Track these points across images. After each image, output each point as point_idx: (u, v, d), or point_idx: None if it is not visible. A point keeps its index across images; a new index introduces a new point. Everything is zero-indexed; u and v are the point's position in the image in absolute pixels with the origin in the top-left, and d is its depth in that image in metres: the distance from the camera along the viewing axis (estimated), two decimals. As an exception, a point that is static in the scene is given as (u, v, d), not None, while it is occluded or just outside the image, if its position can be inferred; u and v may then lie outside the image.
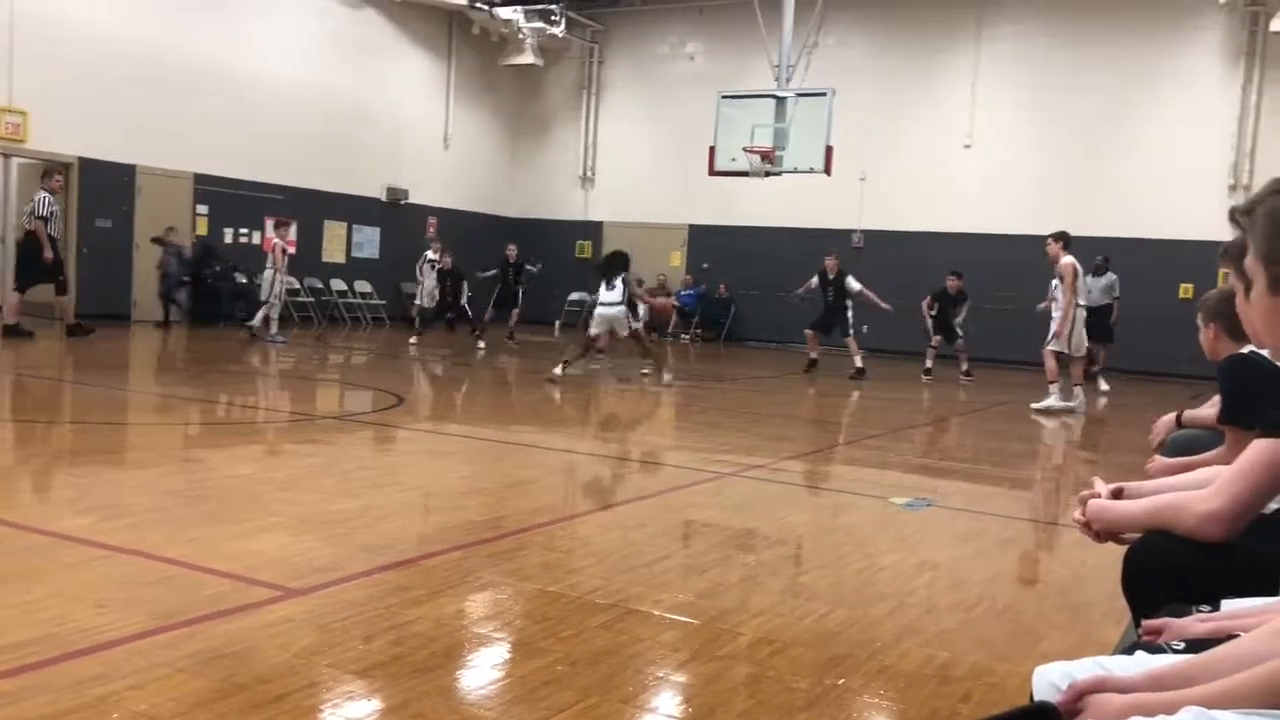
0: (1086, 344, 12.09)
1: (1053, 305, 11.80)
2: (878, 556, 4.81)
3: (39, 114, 15.22)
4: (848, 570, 4.55)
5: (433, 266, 17.06)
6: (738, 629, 3.57)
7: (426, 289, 17.08)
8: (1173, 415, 4.25)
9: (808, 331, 15.38)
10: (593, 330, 12.48)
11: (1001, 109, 19.51)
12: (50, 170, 14.01)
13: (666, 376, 12.31)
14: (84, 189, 16.05)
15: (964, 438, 9.72)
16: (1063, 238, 11.64)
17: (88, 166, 15.97)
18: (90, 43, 15.69)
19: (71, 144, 15.75)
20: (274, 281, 15.31)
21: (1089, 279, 15.74)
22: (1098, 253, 17.91)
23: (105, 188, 16.29)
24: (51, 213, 13.54)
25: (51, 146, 15.58)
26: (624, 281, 12.25)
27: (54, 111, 15.33)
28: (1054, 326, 11.52)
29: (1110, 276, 16.32)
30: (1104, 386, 14.92)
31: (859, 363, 14.59)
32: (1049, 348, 11.56)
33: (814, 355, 15.24)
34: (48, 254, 13.41)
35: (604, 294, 12.22)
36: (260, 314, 15.29)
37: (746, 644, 3.44)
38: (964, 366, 15.38)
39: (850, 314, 15.17)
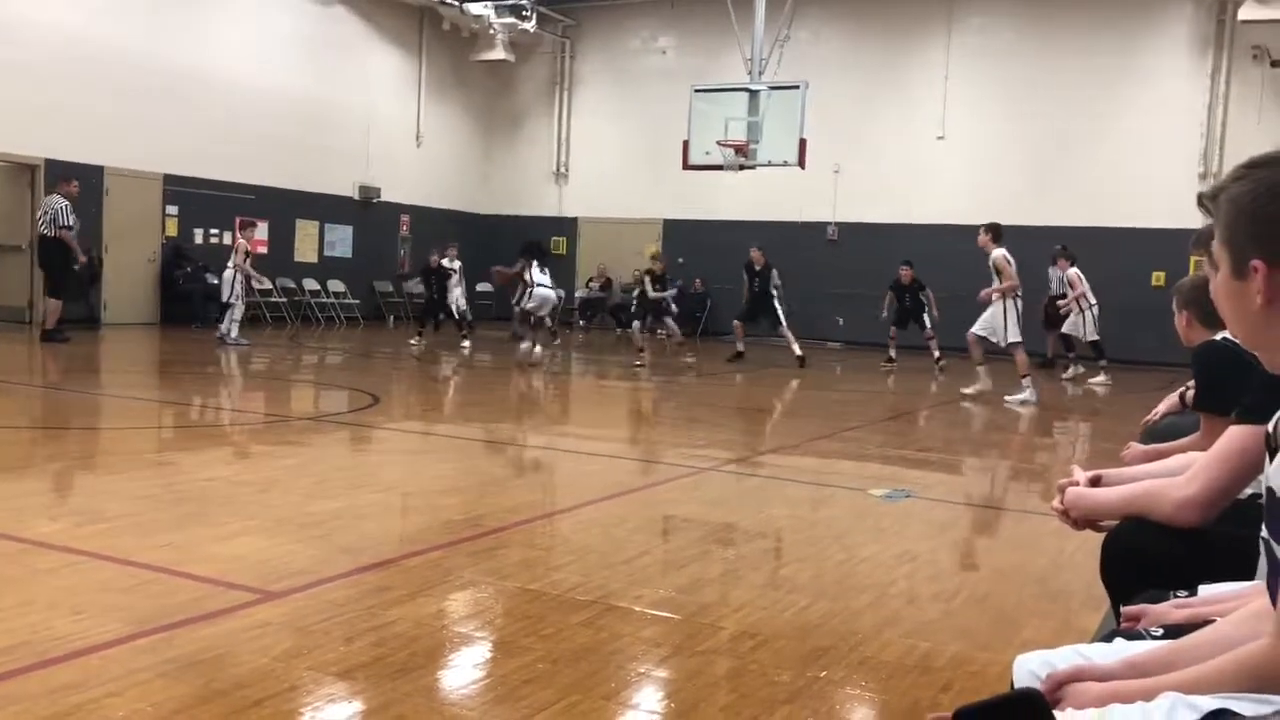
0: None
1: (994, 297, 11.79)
2: (858, 548, 4.82)
3: (4, 115, 15.02)
4: (828, 563, 4.56)
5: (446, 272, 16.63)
6: (719, 623, 3.57)
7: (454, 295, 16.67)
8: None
9: (736, 322, 15.72)
10: (530, 306, 13.61)
11: (973, 101, 19.59)
12: (65, 177, 14.07)
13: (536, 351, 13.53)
14: (50, 191, 15.84)
15: (941, 428, 9.77)
16: (993, 229, 11.83)
17: (54, 168, 15.77)
18: (56, 43, 15.49)
19: (37, 146, 15.55)
20: (234, 281, 14.91)
21: (1050, 270, 15.98)
22: (1070, 241, 18.03)
23: (73, 189, 16.09)
24: (73, 220, 13.72)
25: (16, 149, 15.39)
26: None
27: (19, 112, 15.13)
28: (1007, 321, 11.53)
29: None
30: (1079, 374, 15.05)
31: (798, 351, 14.87)
32: (1011, 340, 11.55)
33: (740, 347, 15.39)
34: (80, 259, 13.74)
35: (539, 276, 13.46)
36: (227, 320, 14.73)
37: (728, 638, 3.44)
38: (936, 355, 15.46)
39: (778, 304, 15.41)
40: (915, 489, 6.24)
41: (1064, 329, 15.22)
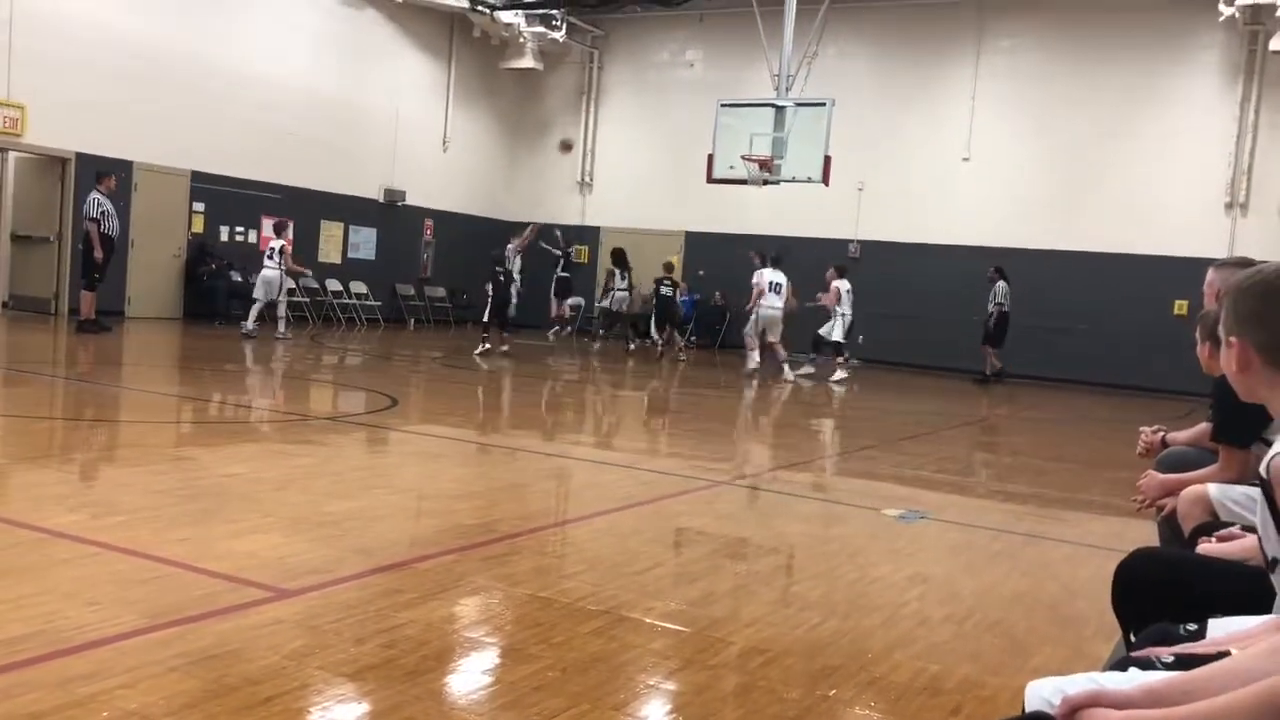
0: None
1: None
2: (870, 568, 4.81)
3: (37, 109, 15.21)
4: (840, 581, 4.55)
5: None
6: (729, 638, 3.57)
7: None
8: (1159, 437, 4.25)
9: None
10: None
11: (1000, 123, 19.55)
12: (104, 173, 14.36)
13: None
14: (81, 184, 16.01)
15: (957, 449, 9.74)
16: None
17: (85, 162, 15.94)
18: (90, 38, 15.67)
19: (69, 139, 15.73)
20: (280, 282, 15.35)
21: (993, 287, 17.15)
22: (1094, 266, 18.03)
23: (102, 183, 16.24)
24: (103, 213, 13.96)
25: (49, 141, 15.57)
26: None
27: (52, 106, 15.32)
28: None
29: (1000, 285, 17.12)
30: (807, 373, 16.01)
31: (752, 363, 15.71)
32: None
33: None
34: (97, 253, 13.89)
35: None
36: (283, 319, 15.49)
37: (738, 653, 3.44)
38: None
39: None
40: (930, 510, 6.22)
41: (821, 329, 16.34)
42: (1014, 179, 19.34)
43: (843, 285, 16.21)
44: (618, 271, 19.47)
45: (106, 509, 4.74)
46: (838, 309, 16.10)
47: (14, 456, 6.23)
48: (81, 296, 14.01)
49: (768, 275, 15.53)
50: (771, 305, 15.55)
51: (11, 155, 15.94)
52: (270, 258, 15.46)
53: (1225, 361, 1.91)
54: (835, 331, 16.12)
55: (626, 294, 18.76)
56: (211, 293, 17.58)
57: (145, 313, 16.96)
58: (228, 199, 18.08)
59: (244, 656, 3.01)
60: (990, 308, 17.28)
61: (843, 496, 6.75)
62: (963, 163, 19.81)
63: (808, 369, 16.15)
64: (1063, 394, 16.72)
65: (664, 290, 17.76)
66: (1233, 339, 1.87)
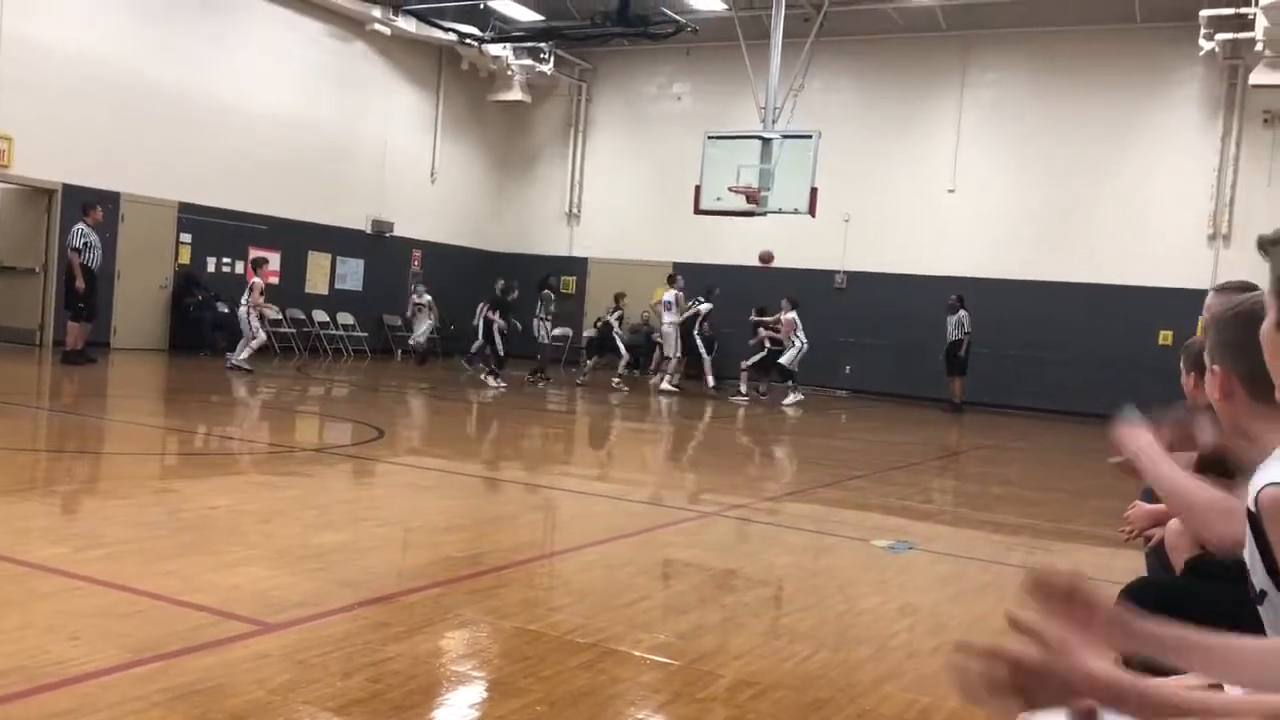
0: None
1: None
2: (859, 599, 4.79)
3: (24, 140, 15.18)
4: (829, 613, 4.53)
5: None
6: (718, 671, 3.54)
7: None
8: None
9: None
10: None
11: (985, 155, 19.72)
12: (90, 203, 14.31)
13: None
14: (67, 215, 15.98)
15: (946, 480, 9.75)
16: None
17: (72, 193, 15.92)
18: (76, 70, 15.68)
19: (56, 170, 15.70)
20: (249, 319, 15.16)
21: (948, 317, 17.48)
22: (1078, 297, 18.14)
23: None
24: (85, 243, 13.89)
25: (36, 173, 15.54)
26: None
27: (39, 138, 15.30)
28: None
29: (961, 314, 17.09)
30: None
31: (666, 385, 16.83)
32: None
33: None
34: (79, 283, 13.78)
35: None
36: (242, 346, 15.10)
37: (727, 686, 3.41)
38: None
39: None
40: (918, 541, 6.21)
41: (783, 359, 17.05)
42: (999, 210, 19.48)
43: (794, 316, 17.06)
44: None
45: (90, 542, 4.69)
46: (795, 338, 16.88)
47: (-4, 489, 6.17)
48: (69, 327, 13.93)
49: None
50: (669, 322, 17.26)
51: (-1, 187, 15.91)
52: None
53: (1209, 389, 1.92)
54: (788, 359, 16.93)
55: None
56: (198, 324, 17.52)
57: (131, 344, 16.88)
58: (215, 230, 18.05)
59: (229, 691, 2.98)
60: (955, 335, 17.40)
61: (832, 527, 6.73)
62: (948, 194, 19.95)
63: (796, 397, 16.53)
64: (1050, 424, 16.77)
65: (609, 319, 18.37)
66: (1216, 367, 1.88)
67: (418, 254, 22.29)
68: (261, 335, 15.34)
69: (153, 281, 17.41)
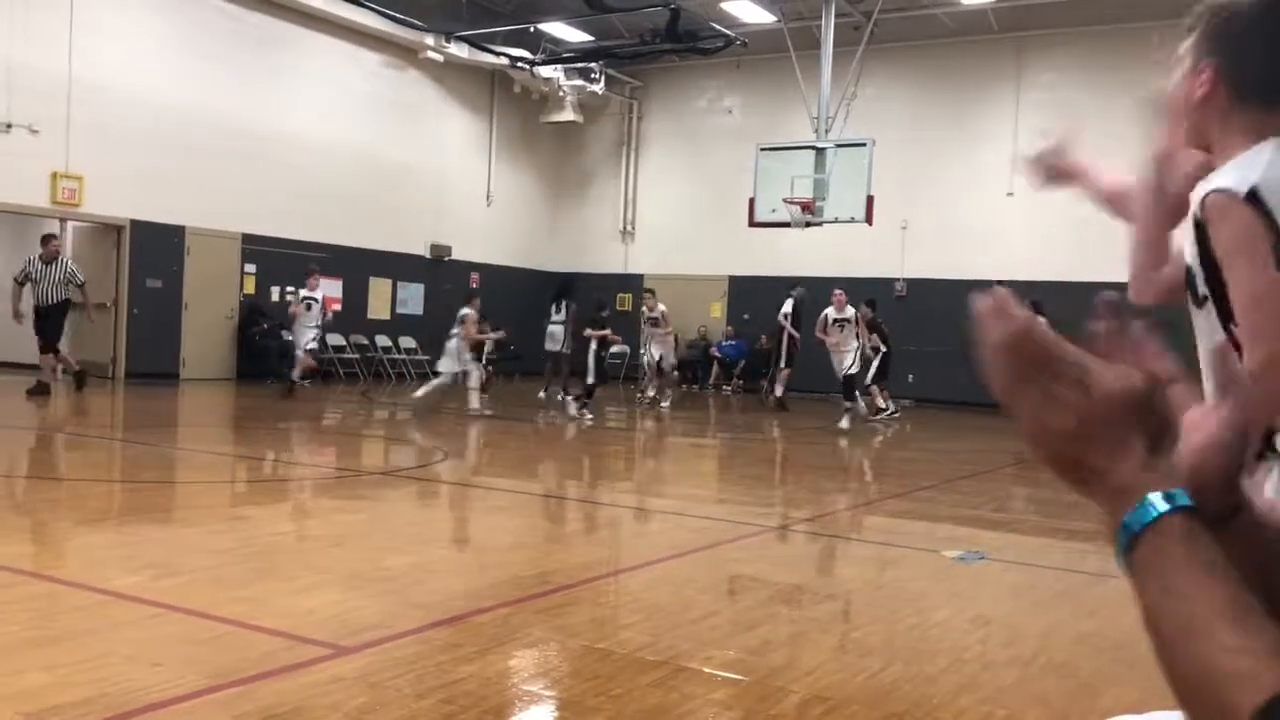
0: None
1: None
2: (931, 611, 4.73)
3: (94, 179, 15.63)
4: (901, 625, 4.47)
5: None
6: (790, 686, 3.52)
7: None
8: None
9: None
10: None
11: (1043, 156, 19.43)
12: (47, 236, 13.62)
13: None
14: (135, 250, 16.41)
15: (1016, 488, 9.59)
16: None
17: (139, 229, 16.34)
18: (141, 109, 16.10)
19: (124, 207, 16.13)
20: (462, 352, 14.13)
21: None
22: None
23: (155, 249, 16.63)
24: (26, 275, 13.25)
25: (105, 210, 15.97)
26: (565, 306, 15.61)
27: (107, 177, 15.73)
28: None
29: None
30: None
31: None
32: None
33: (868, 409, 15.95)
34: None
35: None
36: (475, 397, 14.09)
37: (798, 702, 3.38)
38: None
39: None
40: (990, 551, 6.12)
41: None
42: (1061, 213, 19.14)
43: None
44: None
45: (166, 570, 4.79)
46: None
47: (75, 520, 6.33)
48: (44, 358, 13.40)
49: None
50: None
51: (70, 225, 16.36)
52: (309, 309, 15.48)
53: (1185, 88, 1.78)
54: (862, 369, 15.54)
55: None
56: (264, 352, 17.84)
57: (199, 374, 17.24)
58: (278, 260, 18.40)
59: (305, 715, 3.02)
60: None
61: (899, 539, 6.66)
62: (1007, 197, 19.70)
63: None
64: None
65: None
66: (1209, 62, 1.73)
67: (476, 276, 22.51)
68: (476, 370, 14.13)
69: (219, 312, 17.77)
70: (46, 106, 15.01)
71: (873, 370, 15.75)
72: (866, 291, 19.77)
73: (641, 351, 17.99)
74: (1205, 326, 1.73)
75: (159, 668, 3.33)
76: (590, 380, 14.31)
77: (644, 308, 17.10)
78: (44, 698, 3.02)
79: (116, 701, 3.02)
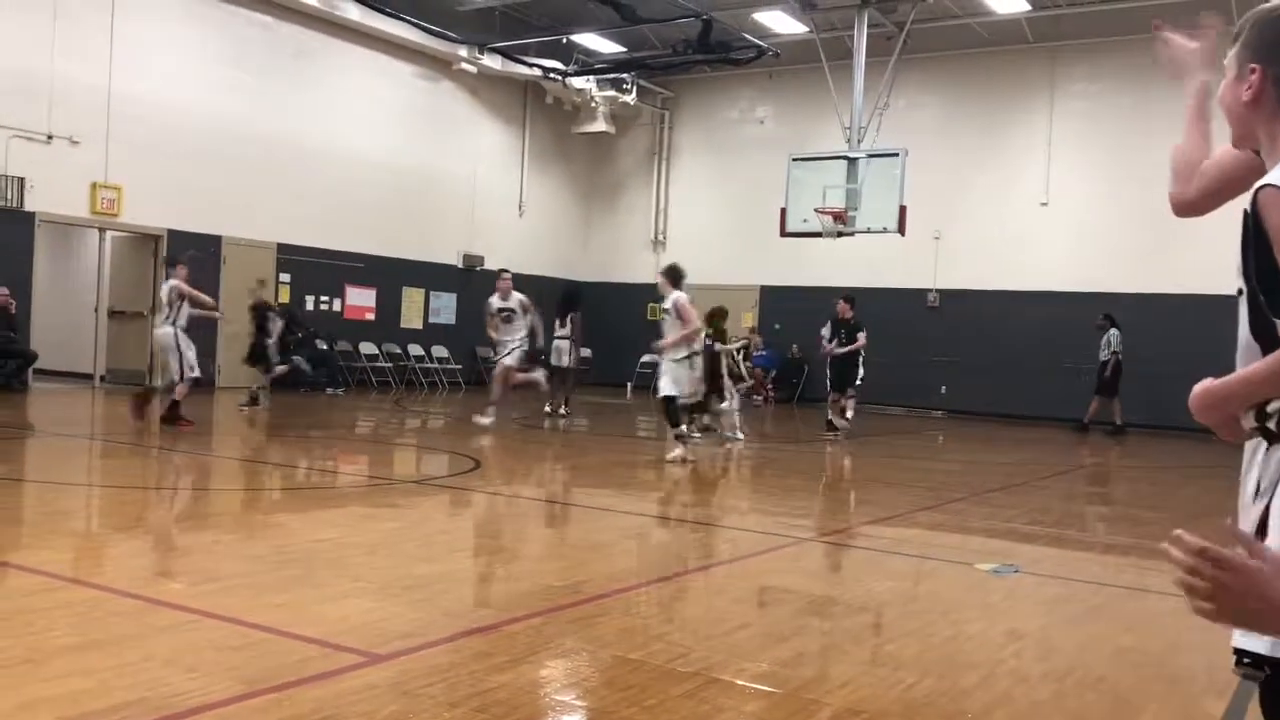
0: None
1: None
2: (964, 624, 4.69)
3: (132, 189, 15.85)
4: (934, 639, 4.44)
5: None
6: (823, 699, 3.50)
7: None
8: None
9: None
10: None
11: (1079, 166, 19.31)
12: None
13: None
14: (172, 261, 16.58)
15: (1051, 500, 9.49)
16: (670, 272, 10.68)
17: (177, 238, 16.54)
18: (179, 121, 16.32)
19: (161, 217, 16.35)
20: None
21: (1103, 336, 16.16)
22: (1181, 308, 17.59)
23: (192, 259, 16.78)
24: None
25: (143, 220, 16.19)
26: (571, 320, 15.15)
27: (145, 187, 15.95)
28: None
29: (1111, 333, 16.52)
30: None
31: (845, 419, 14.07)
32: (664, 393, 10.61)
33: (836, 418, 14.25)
34: None
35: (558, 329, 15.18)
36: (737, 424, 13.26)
37: (831, 715, 3.37)
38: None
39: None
40: (1024, 564, 6.07)
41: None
42: (1097, 222, 19.02)
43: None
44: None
45: (202, 576, 4.84)
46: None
47: (113, 526, 6.41)
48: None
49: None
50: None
51: (109, 235, 16.59)
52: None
53: (1233, 92, 1.85)
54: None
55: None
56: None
57: (234, 382, 17.38)
58: (312, 269, 18.57)
59: (340, 722, 3.04)
60: (1104, 355, 16.78)
61: (932, 551, 6.61)
62: (1041, 207, 19.57)
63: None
64: (1158, 441, 16.26)
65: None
66: (1254, 67, 1.81)
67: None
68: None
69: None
70: (87, 118, 15.25)
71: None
72: (899, 303, 19.75)
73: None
74: (1242, 316, 1.87)
75: (196, 673, 3.37)
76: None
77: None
78: (84, 702, 3.06)
79: (154, 706, 3.06)
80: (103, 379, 16.73)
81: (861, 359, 14.08)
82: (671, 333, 10.49)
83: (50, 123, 14.89)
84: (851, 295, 14.39)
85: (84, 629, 3.89)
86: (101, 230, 16.38)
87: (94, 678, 3.28)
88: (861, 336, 13.92)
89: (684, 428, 10.66)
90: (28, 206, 14.88)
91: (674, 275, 10.62)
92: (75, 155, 15.20)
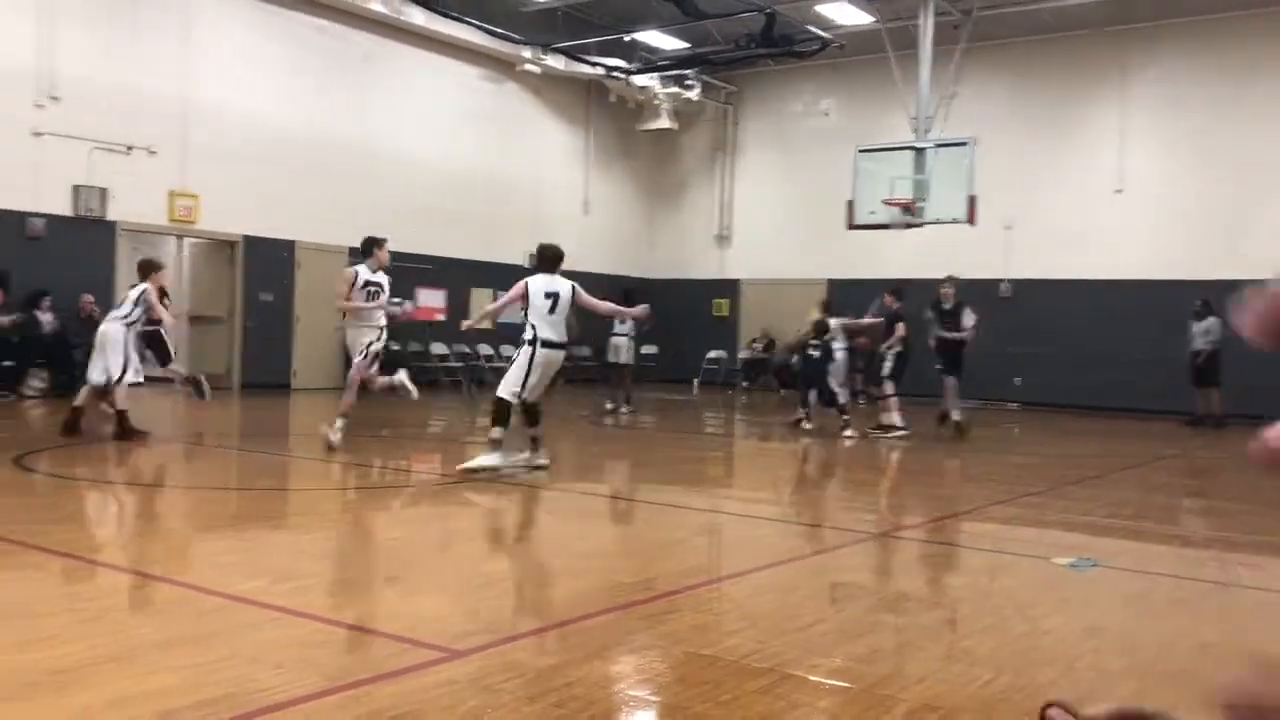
0: None
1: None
2: (1041, 619, 4.63)
3: (209, 197, 16.24)
4: (1010, 634, 4.39)
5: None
6: (898, 695, 3.48)
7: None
8: None
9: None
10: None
11: (1153, 153, 18.87)
12: None
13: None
14: (248, 265, 17.00)
15: (1129, 493, 9.31)
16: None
17: (251, 244, 16.93)
18: (253, 130, 16.70)
19: (237, 223, 16.74)
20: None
21: (1193, 324, 15.47)
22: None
23: (267, 263, 17.20)
24: None
25: (220, 227, 16.58)
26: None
27: (222, 194, 16.34)
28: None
29: (1210, 320, 15.65)
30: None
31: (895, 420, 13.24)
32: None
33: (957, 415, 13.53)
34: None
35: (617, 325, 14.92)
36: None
37: (907, 711, 3.35)
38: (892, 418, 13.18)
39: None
40: (1102, 558, 5.96)
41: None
42: (1173, 208, 18.58)
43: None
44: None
45: (283, 575, 4.95)
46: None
47: (197, 526, 6.58)
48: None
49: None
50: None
51: (187, 241, 17.02)
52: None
53: None
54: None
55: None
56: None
57: (309, 384, 17.76)
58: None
59: (421, 717, 3.10)
60: (1200, 345, 16.02)
61: (1008, 545, 6.53)
62: (1115, 194, 19.16)
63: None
64: (1245, 432, 15.84)
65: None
66: None
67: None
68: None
69: (328, 324, 18.23)
70: (164, 128, 15.67)
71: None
72: (970, 294, 19.40)
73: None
74: None
75: (280, 670, 3.45)
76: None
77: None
78: (175, 697, 3.15)
79: (241, 702, 3.15)
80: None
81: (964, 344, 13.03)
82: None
83: (130, 134, 15.32)
84: (898, 287, 13.91)
85: (171, 626, 4.01)
86: (179, 237, 16.81)
87: (181, 674, 3.38)
88: (970, 318, 12.94)
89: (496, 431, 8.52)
90: (110, 216, 15.32)
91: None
92: (153, 165, 15.62)
